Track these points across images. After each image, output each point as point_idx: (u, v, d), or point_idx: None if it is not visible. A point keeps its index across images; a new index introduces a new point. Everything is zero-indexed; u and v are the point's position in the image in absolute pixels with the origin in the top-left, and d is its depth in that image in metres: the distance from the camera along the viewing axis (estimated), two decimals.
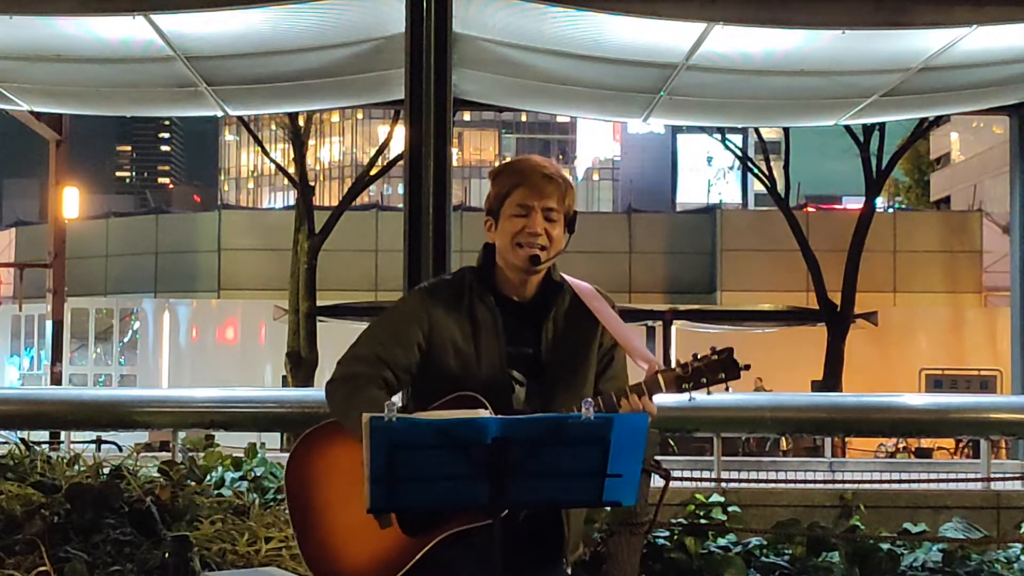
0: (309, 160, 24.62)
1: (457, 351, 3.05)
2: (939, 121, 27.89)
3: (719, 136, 25.23)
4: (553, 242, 3.05)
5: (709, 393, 3.00)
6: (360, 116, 74.38)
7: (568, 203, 3.08)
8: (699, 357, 3.00)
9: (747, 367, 2.98)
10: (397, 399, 2.97)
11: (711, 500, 6.58)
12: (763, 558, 6.10)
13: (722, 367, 2.97)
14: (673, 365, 3.02)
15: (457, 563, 2.89)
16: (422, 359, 3.07)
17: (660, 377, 2.99)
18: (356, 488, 2.65)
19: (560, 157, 79.02)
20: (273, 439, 15.09)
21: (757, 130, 28.61)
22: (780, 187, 23.01)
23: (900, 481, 9.08)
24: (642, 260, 28.98)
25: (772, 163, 23.36)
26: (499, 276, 3.12)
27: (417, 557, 2.89)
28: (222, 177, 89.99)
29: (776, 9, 7.74)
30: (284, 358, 20.63)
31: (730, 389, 3.00)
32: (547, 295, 3.11)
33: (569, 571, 3.12)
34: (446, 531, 2.88)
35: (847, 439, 16.41)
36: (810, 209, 30.24)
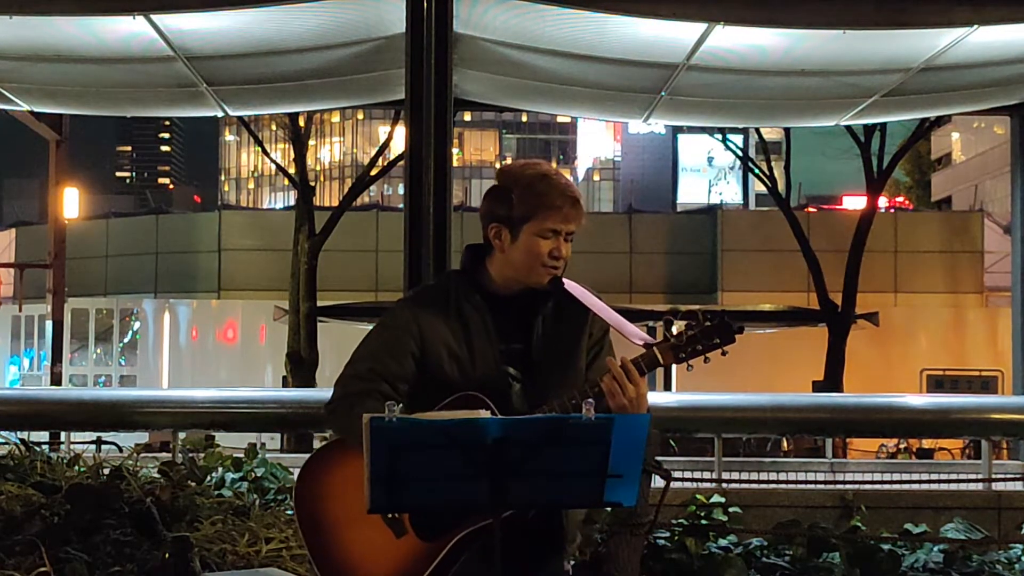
0: (309, 160, 24.61)
1: (451, 354, 3.05)
2: (940, 121, 27.87)
3: (720, 136, 25.24)
4: (567, 259, 3.09)
5: (707, 361, 2.99)
6: (360, 116, 74.41)
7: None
8: (692, 325, 3.00)
9: (741, 329, 2.98)
10: None
11: (712, 501, 6.59)
12: (764, 559, 6.09)
13: (716, 332, 2.97)
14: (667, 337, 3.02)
15: (473, 564, 2.89)
16: (418, 368, 3.07)
17: (656, 350, 2.99)
18: None
19: (560, 157, 79.11)
20: (273, 439, 15.11)
21: (758, 130, 28.63)
22: (781, 187, 23.01)
23: (901, 482, 9.07)
24: (643, 260, 28.97)
25: (773, 163, 23.37)
26: (487, 276, 3.11)
27: (436, 562, 2.89)
28: (222, 177, 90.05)
29: (776, 9, 7.74)
30: (284, 358, 20.63)
31: (727, 354, 2.99)
32: (536, 290, 3.11)
33: (568, 565, 3.12)
34: (461, 532, 2.88)
35: (848, 440, 16.42)
36: (811, 209, 30.24)
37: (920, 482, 9.07)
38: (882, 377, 22.81)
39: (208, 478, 6.15)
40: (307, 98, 11.11)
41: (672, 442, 9.40)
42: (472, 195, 66.11)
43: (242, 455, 6.72)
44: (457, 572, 2.91)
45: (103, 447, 8.39)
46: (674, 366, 3.04)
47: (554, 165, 3.27)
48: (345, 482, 2.95)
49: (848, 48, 8.33)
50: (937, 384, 22.95)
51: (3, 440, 6.45)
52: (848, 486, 8.00)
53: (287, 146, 23.18)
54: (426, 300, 3.12)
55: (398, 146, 19.75)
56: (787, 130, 23.12)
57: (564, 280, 3.12)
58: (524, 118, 75.53)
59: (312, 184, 23.00)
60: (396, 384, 3.05)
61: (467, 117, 67.52)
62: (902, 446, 19.40)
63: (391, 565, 2.93)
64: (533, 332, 3.08)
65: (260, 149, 30.70)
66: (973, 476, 8.45)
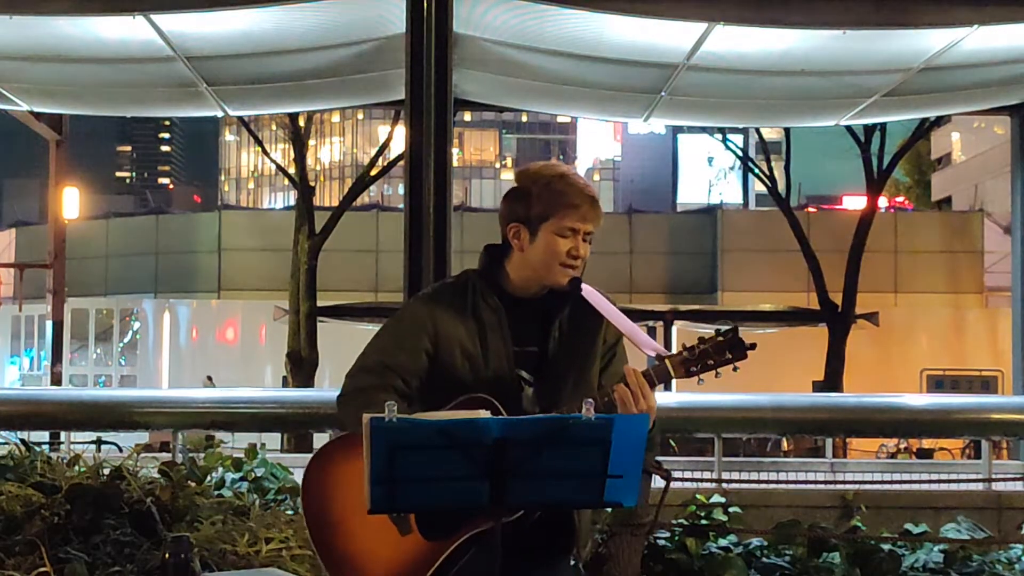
0: (309, 160, 24.59)
1: (464, 353, 3.04)
2: (940, 121, 27.90)
3: (720, 136, 25.22)
4: (585, 259, 3.09)
5: (718, 375, 2.99)
6: (360, 116, 74.38)
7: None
8: (705, 339, 3.00)
9: (753, 346, 2.98)
10: None
11: (712, 501, 6.58)
12: (764, 559, 6.09)
13: (728, 347, 2.97)
14: (680, 350, 3.02)
15: (478, 563, 2.88)
16: (431, 364, 3.06)
17: (667, 362, 2.98)
18: None
19: (560, 157, 79.15)
20: (274, 439, 15.11)
21: (758, 130, 28.67)
22: (781, 187, 23.00)
23: (901, 482, 9.07)
24: (643, 261, 28.97)
25: (773, 163, 23.36)
26: (505, 277, 3.11)
27: (440, 561, 2.89)
28: (222, 177, 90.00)
29: (776, 9, 7.73)
30: (284, 358, 20.63)
31: (738, 369, 2.99)
32: (554, 293, 3.11)
33: (581, 566, 3.12)
34: (467, 532, 2.87)
35: (848, 440, 16.42)
36: (811, 209, 30.24)
37: (920, 482, 9.07)
38: (882, 377, 22.81)
39: (208, 478, 6.15)
40: (307, 98, 11.11)
41: (672, 442, 9.40)
42: (472, 195, 66.12)
43: (242, 455, 6.72)
44: (462, 570, 2.90)
45: (103, 447, 8.39)
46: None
47: None
48: (351, 477, 2.92)
49: (848, 48, 8.33)
50: (937, 384, 22.96)
51: (3, 440, 6.44)
52: (848, 486, 8.00)
53: (287, 146, 23.17)
54: (444, 297, 3.11)
55: (398, 146, 19.74)
56: (787, 130, 23.11)
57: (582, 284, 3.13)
58: (524, 118, 75.49)
59: (312, 184, 22.98)
60: (408, 379, 3.04)
61: (467, 117, 67.45)
62: (902, 446, 19.41)
63: (395, 563, 2.92)
64: (550, 336, 3.08)
65: (260, 149, 30.70)
66: (973, 476, 8.45)
